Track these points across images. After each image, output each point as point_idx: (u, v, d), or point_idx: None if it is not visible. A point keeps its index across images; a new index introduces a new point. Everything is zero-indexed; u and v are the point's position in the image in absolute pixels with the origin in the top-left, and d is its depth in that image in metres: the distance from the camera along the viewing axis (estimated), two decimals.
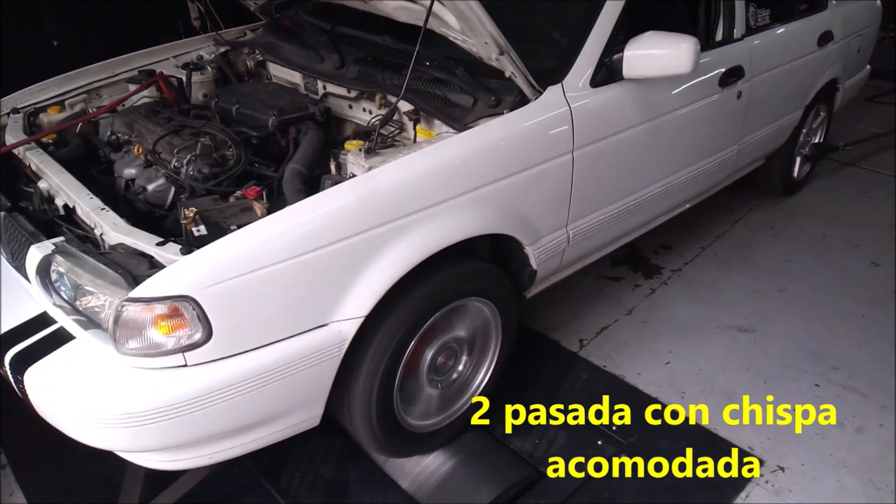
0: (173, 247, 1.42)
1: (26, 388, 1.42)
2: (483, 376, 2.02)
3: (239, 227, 1.46)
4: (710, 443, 2.03)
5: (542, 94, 1.85)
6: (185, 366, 1.38)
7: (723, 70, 2.41)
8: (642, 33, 1.94)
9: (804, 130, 3.27)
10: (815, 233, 3.15)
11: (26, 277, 1.54)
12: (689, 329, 2.52)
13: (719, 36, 2.48)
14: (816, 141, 3.49)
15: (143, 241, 1.45)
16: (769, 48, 2.67)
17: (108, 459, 1.54)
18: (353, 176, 1.68)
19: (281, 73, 2.34)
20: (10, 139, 1.98)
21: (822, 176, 3.66)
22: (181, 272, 1.35)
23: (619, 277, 2.83)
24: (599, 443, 2.03)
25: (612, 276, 2.83)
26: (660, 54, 1.90)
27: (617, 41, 1.98)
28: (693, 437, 2.05)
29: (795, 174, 3.43)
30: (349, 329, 1.55)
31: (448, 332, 1.87)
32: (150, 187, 1.78)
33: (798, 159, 3.39)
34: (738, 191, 3.22)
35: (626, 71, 1.95)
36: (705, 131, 2.46)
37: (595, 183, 2.06)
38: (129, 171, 1.84)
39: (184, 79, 2.27)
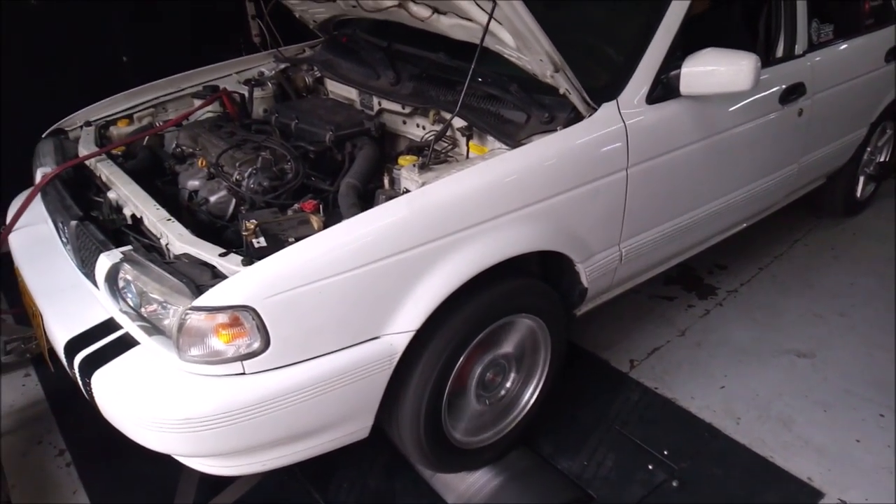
0: (235, 258, 1.46)
1: (93, 390, 1.48)
2: (531, 394, 2.00)
3: (297, 239, 1.50)
4: (767, 471, 1.96)
5: (596, 110, 1.84)
6: (244, 374, 1.42)
7: (783, 87, 2.35)
8: (701, 50, 1.91)
9: (869, 149, 3.16)
10: (879, 255, 3.02)
11: (95, 284, 1.60)
12: (744, 352, 2.45)
13: (780, 52, 2.42)
14: (882, 160, 3.36)
15: (207, 252, 1.50)
16: (832, 65, 2.59)
17: (165, 462, 1.59)
18: (407, 191, 1.70)
19: (338, 89, 2.40)
20: (82, 151, 2.08)
21: (887, 196, 3.51)
22: (242, 283, 1.39)
23: (671, 297, 2.77)
24: (650, 467, 1.98)
25: (664, 296, 2.77)
26: (719, 71, 1.86)
27: (674, 58, 1.95)
28: (748, 465, 1.99)
29: (859, 194, 3.30)
30: (400, 342, 1.56)
31: (497, 349, 1.87)
32: (213, 199, 1.84)
33: (862, 178, 3.27)
34: (798, 210, 3.11)
35: (684, 88, 1.92)
36: (764, 149, 2.40)
37: (649, 201, 2.03)
38: (193, 183, 1.91)
39: (246, 94, 2.35)
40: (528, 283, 1.86)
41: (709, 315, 2.66)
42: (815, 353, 2.44)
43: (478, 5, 1.69)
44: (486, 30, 1.70)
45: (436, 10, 1.93)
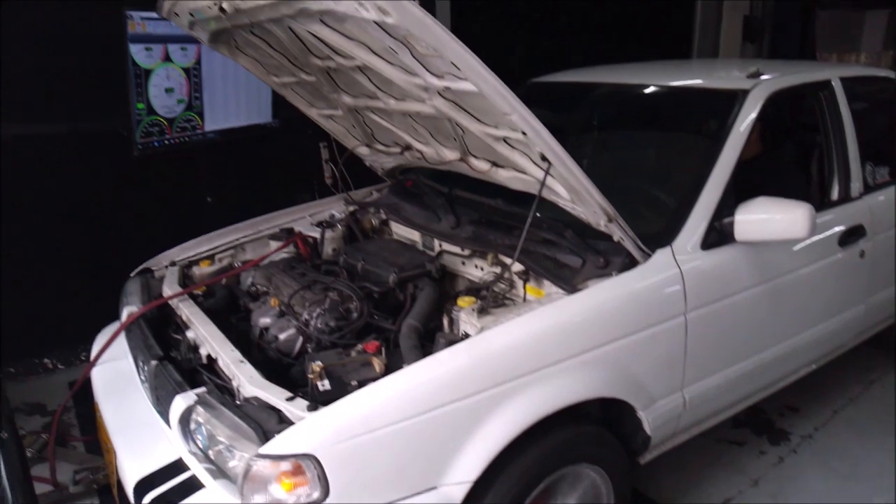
0: (301, 403, 1.51)
1: None
2: None
3: (360, 382, 1.55)
4: None
5: (650, 256, 1.88)
6: None
7: (842, 229, 2.35)
8: (753, 198, 1.96)
9: None
10: None
11: (168, 423, 1.68)
12: None
13: (835, 195, 2.45)
14: None
15: (275, 396, 1.55)
16: (891, 206, 2.59)
17: None
18: (466, 334, 1.75)
19: (402, 230, 2.53)
20: (166, 290, 2.23)
21: None
22: (307, 431, 1.42)
23: (741, 442, 2.63)
24: None
25: (733, 440, 2.64)
26: (774, 220, 1.90)
27: (727, 205, 2.00)
28: None
29: None
30: (458, 493, 1.54)
31: (557, 499, 1.81)
32: (282, 336, 1.92)
33: None
34: (872, 349, 2.98)
35: (739, 235, 1.95)
36: (827, 291, 2.37)
37: (710, 345, 2.01)
38: (265, 321, 2.01)
39: (318, 237, 2.51)
40: (588, 432, 1.83)
41: (783, 463, 2.51)
42: None
43: (534, 163, 1.82)
44: (542, 184, 1.81)
45: (494, 164, 2.08)
